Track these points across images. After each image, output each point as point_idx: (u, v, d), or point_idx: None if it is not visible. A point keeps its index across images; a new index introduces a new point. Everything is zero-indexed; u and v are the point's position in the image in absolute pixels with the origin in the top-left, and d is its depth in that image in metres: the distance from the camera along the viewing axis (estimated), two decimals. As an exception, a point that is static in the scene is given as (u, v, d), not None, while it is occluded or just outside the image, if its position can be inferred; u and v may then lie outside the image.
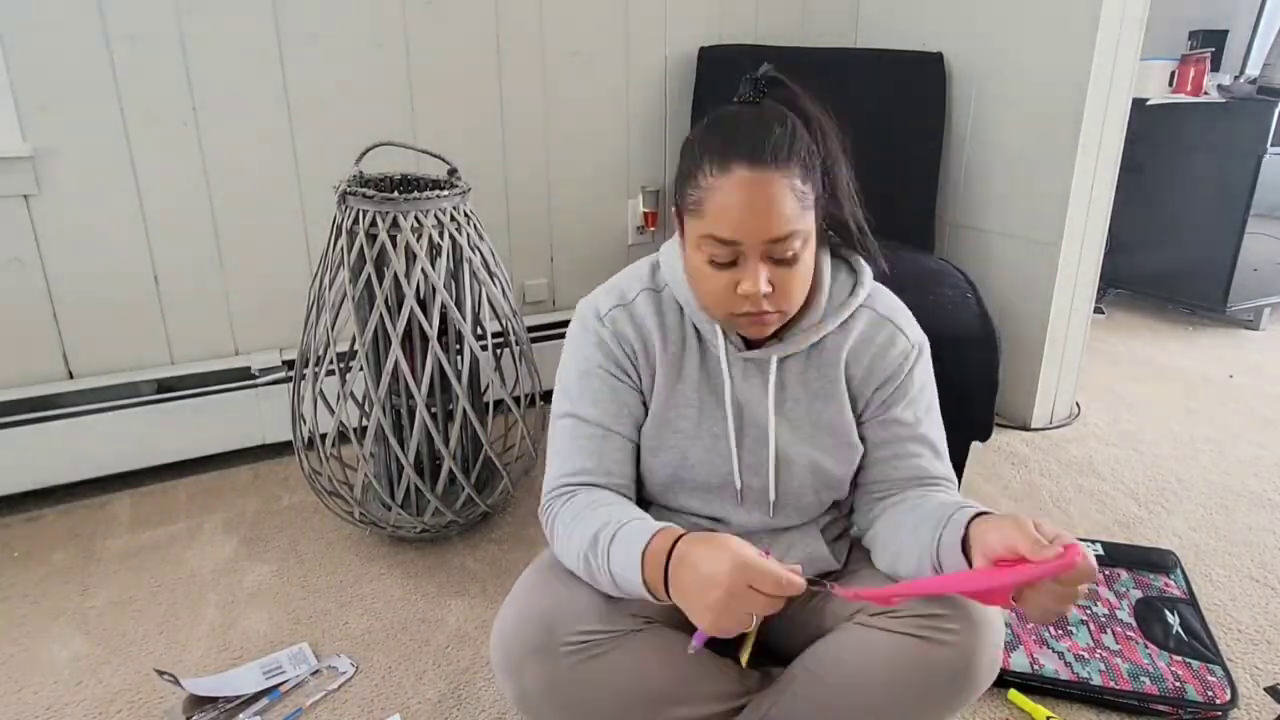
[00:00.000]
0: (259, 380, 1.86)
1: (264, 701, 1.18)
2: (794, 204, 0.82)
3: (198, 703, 1.18)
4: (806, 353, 0.97)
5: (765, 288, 0.83)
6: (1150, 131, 2.88)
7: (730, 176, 0.81)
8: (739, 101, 0.89)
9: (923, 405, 0.99)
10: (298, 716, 1.16)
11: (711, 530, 1.01)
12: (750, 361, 0.96)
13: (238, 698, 1.18)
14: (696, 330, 0.97)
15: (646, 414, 0.98)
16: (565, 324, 2.47)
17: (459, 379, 1.43)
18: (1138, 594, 1.41)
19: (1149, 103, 2.85)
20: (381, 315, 1.37)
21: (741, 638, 0.81)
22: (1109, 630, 1.32)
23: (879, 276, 1.00)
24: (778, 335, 0.96)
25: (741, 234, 0.82)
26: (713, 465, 0.98)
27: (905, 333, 0.97)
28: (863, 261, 1.00)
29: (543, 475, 0.99)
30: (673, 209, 0.93)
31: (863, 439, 0.99)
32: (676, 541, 0.79)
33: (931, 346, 1.02)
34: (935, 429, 1.00)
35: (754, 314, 0.86)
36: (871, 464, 1.00)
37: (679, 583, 0.77)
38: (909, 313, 1.00)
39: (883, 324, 0.97)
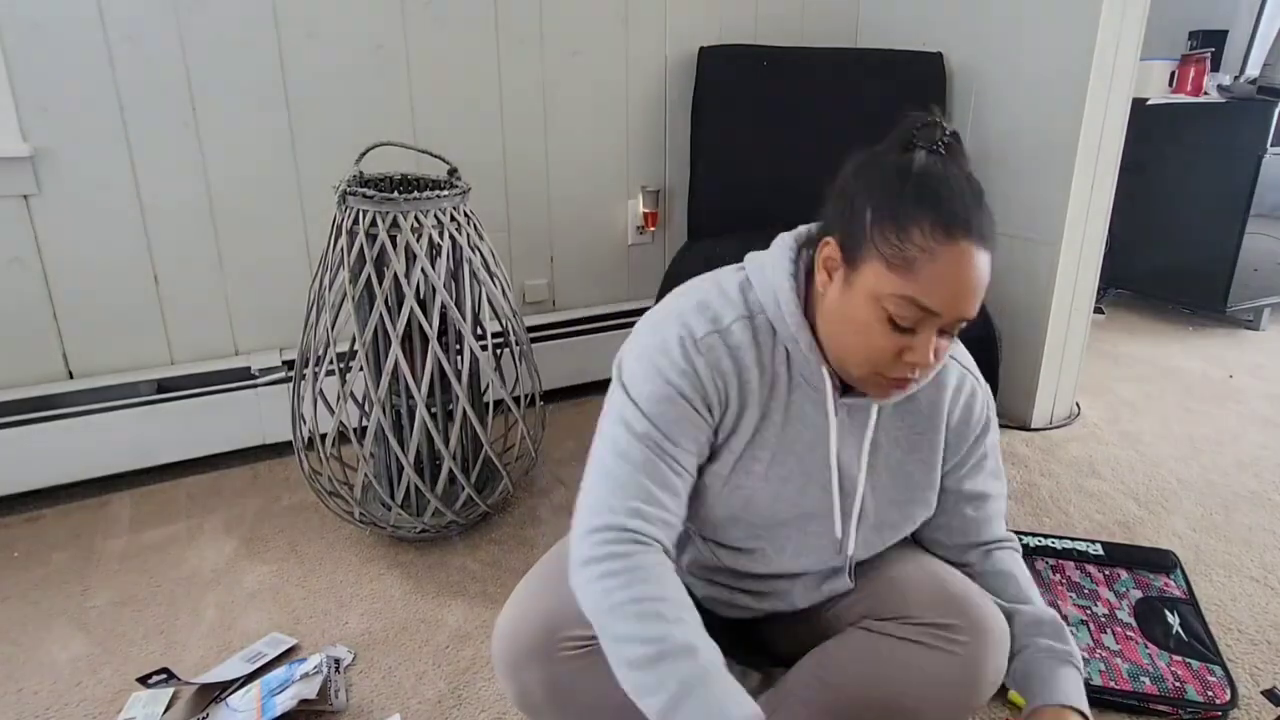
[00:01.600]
0: (259, 380, 1.86)
1: (283, 677, 1.18)
2: (986, 284, 0.79)
3: (198, 702, 1.18)
4: (898, 405, 0.92)
5: (935, 357, 0.80)
6: (1150, 131, 2.88)
7: (955, 247, 0.75)
8: (924, 148, 0.80)
9: (996, 458, 1.00)
10: (289, 687, 1.17)
11: (751, 570, 0.99)
12: (852, 407, 0.90)
13: (232, 682, 1.19)
14: (789, 364, 0.89)
15: (711, 452, 0.90)
16: (565, 324, 2.47)
17: (459, 379, 1.43)
18: (1138, 594, 1.41)
19: (1149, 103, 2.85)
20: (381, 315, 1.37)
21: None
22: (1109, 630, 1.32)
23: None
24: None
25: (948, 309, 0.77)
26: (773, 510, 0.92)
27: (980, 384, 0.96)
28: None
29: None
30: (824, 240, 0.83)
31: (943, 490, 0.99)
32: None
33: None
34: (1001, 485, 1.02)
35: (902, 381, 0.81)
36: (950, 514, 1.00)
37: None
38: (968, 356, 0.98)
39: (965, 376, 0.95)
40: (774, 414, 0.88)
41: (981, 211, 0.78)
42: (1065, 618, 1.34)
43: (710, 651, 0.76)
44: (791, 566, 0.97)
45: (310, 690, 1.15)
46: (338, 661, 1.21)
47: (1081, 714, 0.85)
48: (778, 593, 1.02)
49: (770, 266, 0.88)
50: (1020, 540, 1.55)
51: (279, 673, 1.19)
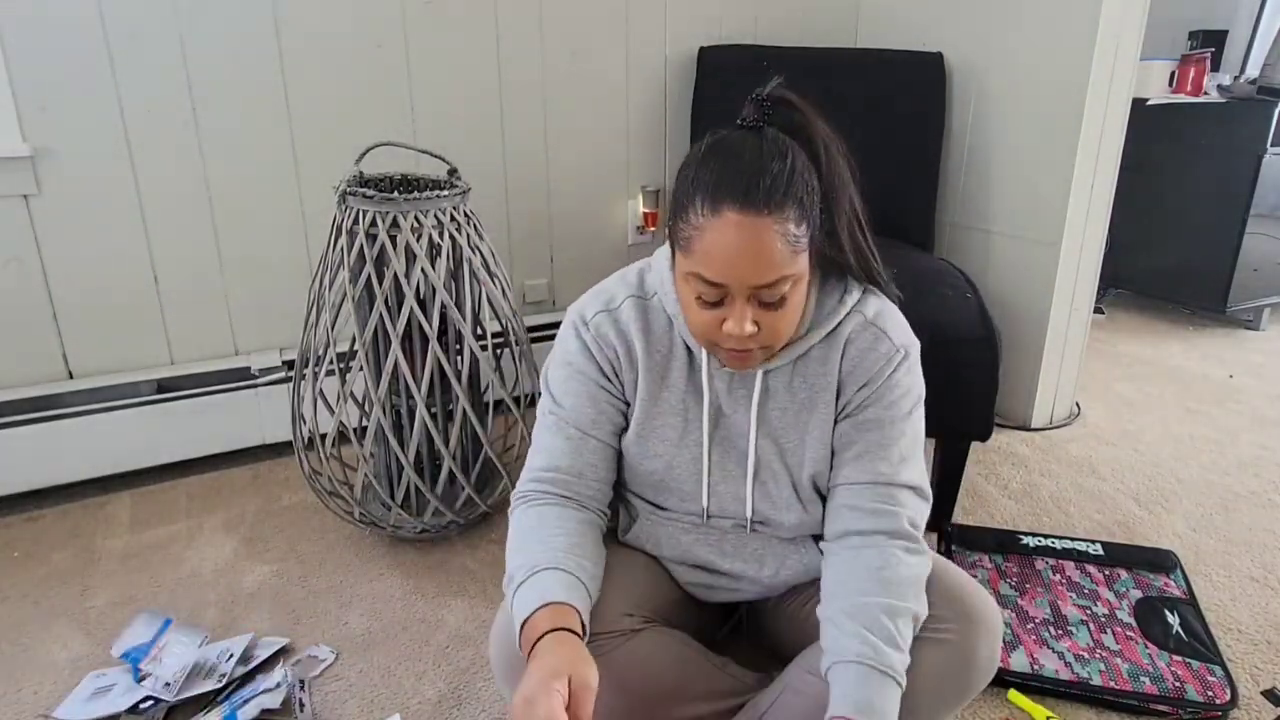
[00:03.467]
0: (259, 380, 1.86)
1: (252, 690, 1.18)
2: (784, 249, 0.79)
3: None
4: (793, 364, 0.95)
5: (750, 329, 0.81)
6: (1150, 131, 2.87)
7: (720, 219, 0.78)
8: (741, 125, 0.84)
9: (902, 411, 0.94)
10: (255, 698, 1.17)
11: (706, 528, 1.02)
12: (736, 374, 0.95)
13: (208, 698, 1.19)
14: (683, 343, 0.96)
15: (628, 421, 0.98)
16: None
17: (459, 379, 1.43)
18: (1138, 594, 1.41)
19: (1149, 103, 2.85)
20: (381, 315, 1.37)
21: None
22: (1109, 630, 1.32)
23: (895, 303, 0.97)
24: None
25: (728, 278, 0.80)
26: (697, 475, 0.98)
27: (890, 336, 0.93)
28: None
29: None
30: (666, 228, 0.90)
31: (836, 439, 0.96)
32: (543, 636, 0.78)
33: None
34: (908, 442, 0.94)
35: (738, 351, 0.85)
36: (839, 466, 0.95)
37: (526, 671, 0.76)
38: (901, 319, 0.96)
39: (867, 327, 0.93)
40: (675, 383, 0.96)
41: (760, 176, 0.78)
42: (1065, 618, 1.34)
43: (558, 563, 0.86)
44: (727, 525, 1.02)
45: (274, 701, 1.16)
46: (302, 681, 1.21)
47: None
48: (745, 575, 1.04)
49: (660, 254, 0.96)
50: (1021, 540, 1.54)
51: (243, 691, 1.19)
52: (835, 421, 0.96)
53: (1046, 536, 1.57)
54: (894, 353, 0.93)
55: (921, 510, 0.93)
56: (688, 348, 0.96)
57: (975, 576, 1.41)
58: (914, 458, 0.94)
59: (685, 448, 0.97)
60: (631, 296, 0.96)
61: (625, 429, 0.99)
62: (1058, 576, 1.46)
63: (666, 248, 0.94)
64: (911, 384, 0.95)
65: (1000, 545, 1.55)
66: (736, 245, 0.78)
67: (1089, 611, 1.37)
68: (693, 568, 1.05)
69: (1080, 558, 1.50)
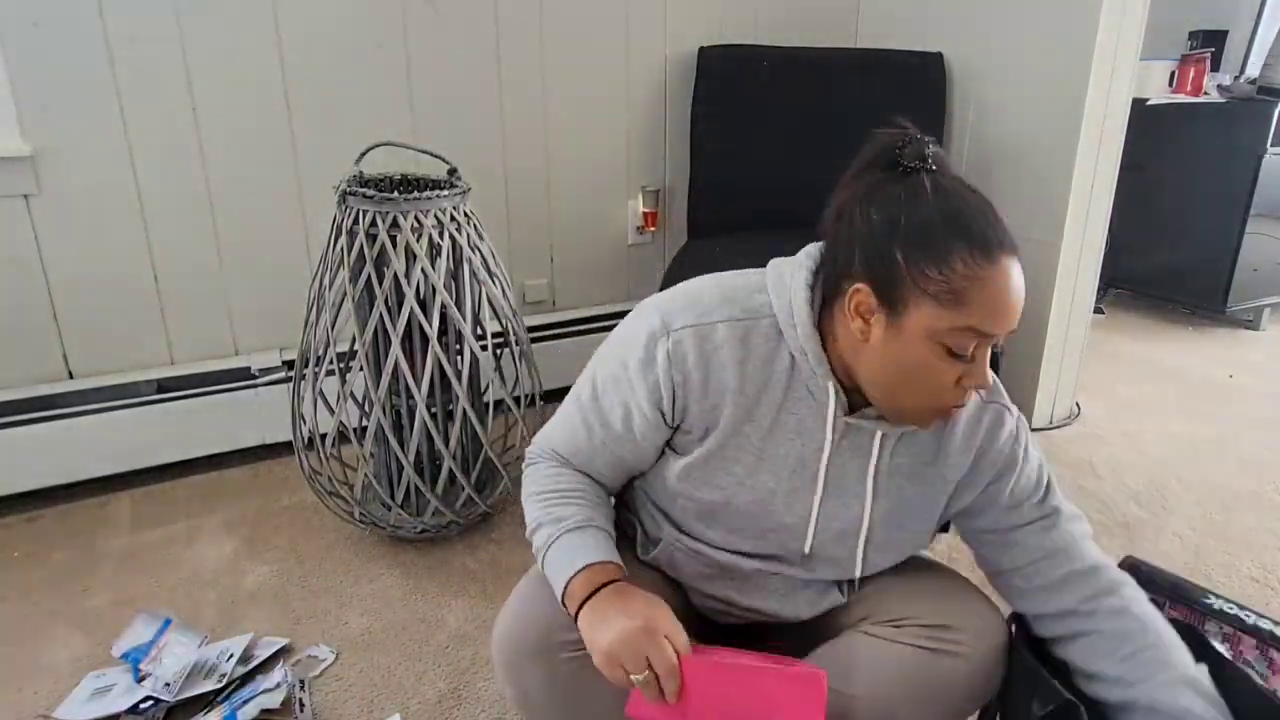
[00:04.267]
0: (259, 380, 1.86)
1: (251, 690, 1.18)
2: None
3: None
4: (905, 434, 0.89)
5: (989, 379, 0.79)
6: (1150, 131, 2.87)
7: (998, 267, 0.75)
8: (918, 168, 0.79)
9: (1037, 476, 0.92)
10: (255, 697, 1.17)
11: (737, 569, 0.98)
12: (850, 427, 0.87)
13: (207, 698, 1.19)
14: (790, 373, 0.86)
15: (666, 443, 0.91)
16: (565, 324, 2.47)
17: (459, 379, 1.43)
18: None
19: (1149, 103, 2.85)
20: (381, 315, 1.37)
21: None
22: None
23: None
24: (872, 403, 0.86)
25: (1004, 327, 0.76)
26: (758, 518, 0.92)
27: (1008, 408, 0.91)
28: None
29: None
30: (854, 288, 0.79)
31: (983, 529, 0.93)
32: (600, 590, 0.81)
33: None
34: (1051, 490, 0.93)
35: (960, 405, 0.81)
36: (1006, 547, 0.92)
37: (587, 625, 0.80)
38: (997, 378, 0.92)
39: (986, 406, 0.90)
40: (760, 418, 0.87)
41: (1001, 220, 0.78)
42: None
43: (588, 520, 0.88)
44: (777, 570, 0.96)
45: (274, 701, 1.16)
46: (302, 681, 1.21)
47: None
48: (767, 609, 1.01)
49: (790, 274, 0.86)
50: (1206, 598, 1.34)
51: (243, 692, 1.19)
52: (953, 498, 0.92)
53: (1243, 608, 1.36)
54: (1016, 428, 0.91)
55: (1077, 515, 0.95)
56: (787, 385, 0.86)
57: None
58: (1055, 484, 0.94)
59: (750, 488, 0.90)
60: (733, 319, 0.84)
61: (666, 447, 0.92)
62: (1226, 645, 1.29)
63: (801, 267, 0.86)
64: (1033, 445, 0.93)
65: (1175, 591, 1.37)
66: (1014, 292, 0.76)
67: None
68: (710, 597, 1.04)
69: (1271, 640, 1.30)
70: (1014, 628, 1.16)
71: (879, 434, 0.87)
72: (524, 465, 0.97)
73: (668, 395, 0.85)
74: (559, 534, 0.86)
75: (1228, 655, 1.25)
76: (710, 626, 1.11)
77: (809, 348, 0.83)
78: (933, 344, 0.76)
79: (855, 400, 0.87)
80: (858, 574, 0.94)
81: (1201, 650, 1.04)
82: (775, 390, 0.86)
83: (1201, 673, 0.85)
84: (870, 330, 0.79)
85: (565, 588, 0.83)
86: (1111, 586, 0.92)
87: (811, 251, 0.87)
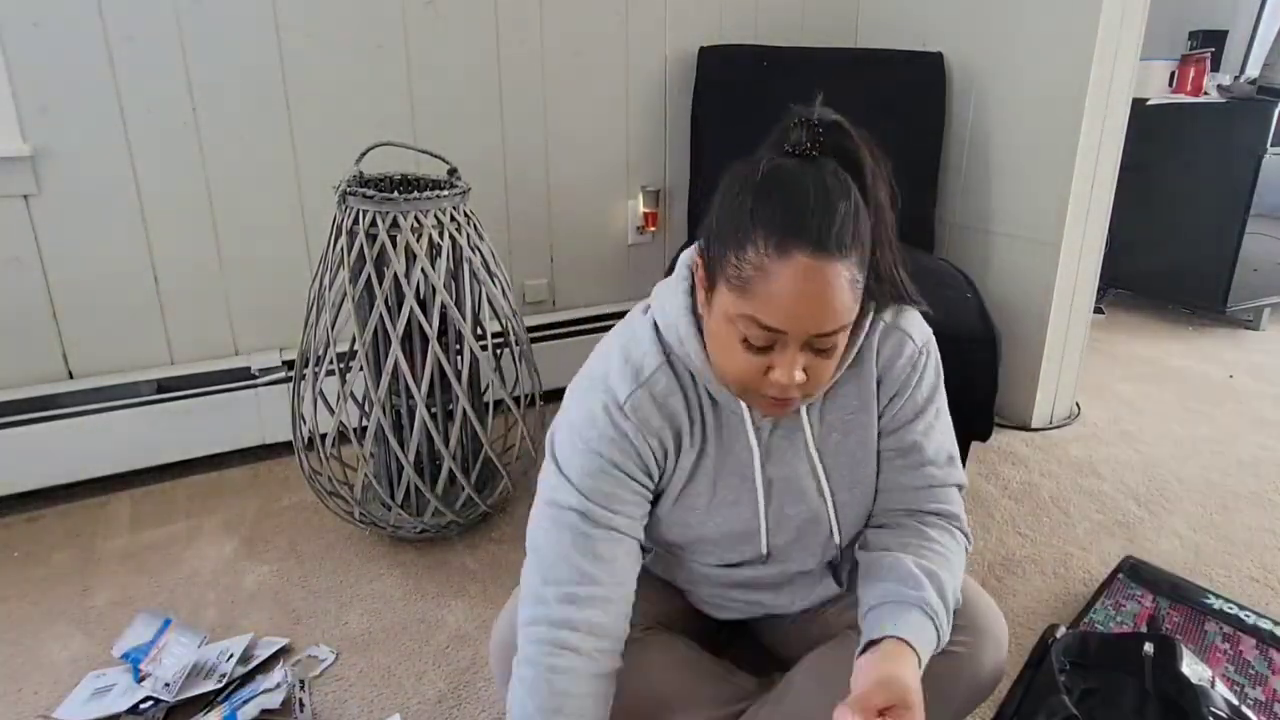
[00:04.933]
0: (259, 380, 1.86)
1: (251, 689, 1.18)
2: (848, 297, 0.74)
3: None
4: (829, 392, 0.91)
5: (800, 377, 0.76)
6: (1150, 131, 2.87)
7: (788, 262, 0.71)
8: (793, 152, 0.77)
9: (932, 413, 0.93)
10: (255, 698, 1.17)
11: (729, 579, 1.00)
12: (773, 421, 0.90)
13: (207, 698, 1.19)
14: (710, 396, 0.89)
15: (655, 497, 0.92)
16: (565, 324, 2.46)
17: (459, 379, 1.43)
18: None
19: (1149, 103, 2.85)
20: (381, 315, 1.37)
21: None
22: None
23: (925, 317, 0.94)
24: None
25: (790, 326, 0.73)
26: (730, 528, 0.93)
27: (912, 337, 0.90)
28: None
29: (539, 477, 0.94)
30: (695, 257, 0.83)
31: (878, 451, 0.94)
32: None
33: None
34: (942, 436, 0.94)
35: (779, 400, 0.79)
36: (883, 473, 0.94)
37: None
38: (919, 319, 0.93)
39: (891, 331, 0.90)
40: (709, 447, 0.89)
41: (830, 217, 0.72)
42: (1210, 681, 1.09)
43: None
44: (759, 573, 0.98)
45: (274, 701, 1.16)
46: (302, 681, 1.21)
47: (915, 651, 0.79)
48: (763, 602, 1.03)
49: (669, 300, 0.87)
50: (1205, 598, 1.38)
51: (243, 692, 1.19)
52: (878, 436, 0.93)
53: (1243, 608, 1.37)
54: (917, 354, 0.91)
55: (961, 484, 0.95)
56: (713, 404, 0.89)
57: (1123, 608, 1.36)
58: (955, 455, 0.94)
59: (717, 511, 0.92)
60: (661, 364, 0.86)
61: (653, 506, 0.93)
62: (1226, 645, 1.29)
63: (678, 283, 0.87)
64: (936, 380, 0.93)
65: (1174, 591, 1.40)
66: (805, 292, 0.72)
67: (1242, 691, 1.19)
68: (708, 591, 1.05)
69: (1269, 640, 1.29)
70: (1050, 643, 1.16)
71: (803, 410, 0.88)
72: (516, 654, 0.85)
73: (652, 459, 0.87)
74: None
75: (1223, 649, 1.26)
76: (711, 623, 1.12)
77: (706, 370, 0.84)
78: (731, 327, 0.76)
79: None
80: (839, 541, 0.95)
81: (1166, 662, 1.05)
82: (709, 416, 0.88)
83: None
84: (705, 304, 0.81)
85: None
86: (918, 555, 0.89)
87: (685, 260, 0.87)
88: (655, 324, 0.88)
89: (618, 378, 0.85)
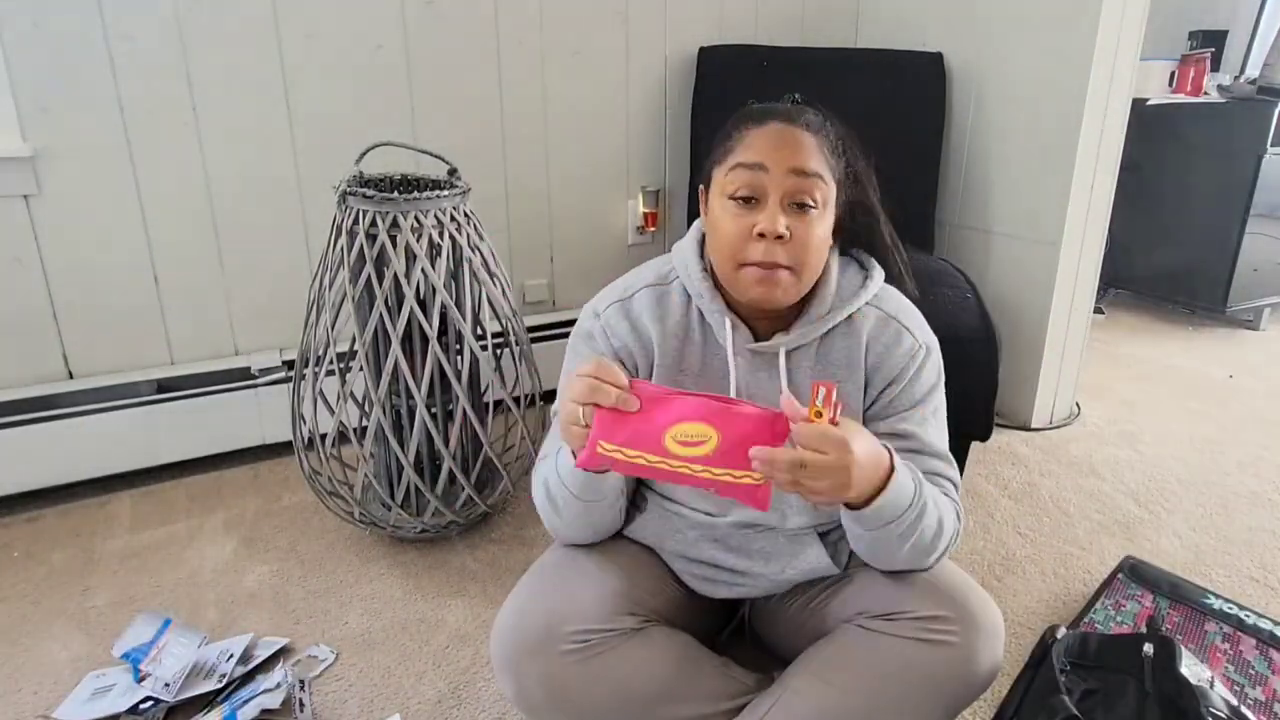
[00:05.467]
0: (259, 380, 1.86)
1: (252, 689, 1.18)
2: (820, 157, 0.88)
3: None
4: (816, 350, 0.96)
5: (782, 229, 0.86)
6: (1150, 131, 2.88)
7: (765, 127, 0.89)
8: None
9: (929, 409, 0.97)
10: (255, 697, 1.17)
11: (713, 527, 1.02)
12: (758, 355, 0.96)
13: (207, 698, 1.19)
14: (703, 323, 0.97)
15: None
16: (565, 324, 2.47)
17: (459, 379, 1.43)
18: None
19: (1149, 103, 2.86)
20: (381, 315, 1.37)
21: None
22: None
23: (911, 299, 1.01)
24: (785, 328, 0.96)
25: (768, 157, 0.87)
26: None
27: (913, 332, 0.97)
28: (874, 262, 1.00)
29: None
30: (700, 189, 0.99)
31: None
32: None
33: None
34: (938, 433, 0.98)
35: (767, 265, 0.87)
36: None
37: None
38: (919, 315, 1.00)
39: (888, 322, 0.97)
40: (690, 366, 0.97)
41: (804, 111, 0.91)
42: (1209, 681, 1.06)
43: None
44: (742, 518, 1.01)
45: (274, 701, 1.16)
46: (302, 681, 1.21)
47: (891, 464, 0.84)
48: (750, 571, 1.03)
49: (685, 240, 1.01)
50: (1205, 598, 1.37)
51: (243, 692, 1.19)
52: (864, 420, 0.97)
53: (1243, 608, 1.36)
54: (917, 349, 0.96)
55: (956, 482, 0.97)
56: (704, 332, 0.97)
57: (1123, 608, 1.35)
58: (946, 452, 0.98)
59: None
60: (648, 286, 0.99)
61: None
62: (1226, 645, 1.28)
63: (689, 236, 1.01)
64: (936, 381, 0.99)
65: (1174, 591, 1.40)
66: (780, 138, 0.88)
67: (1241, 691, 1.18)
68: (695, 562, 1.05)
69: (1269, 640, 1.29)
70: (1050, 643, 1.16)
71: (781, 352, 0.94)
72: (533, 491, 1.01)
73: (616, 360, 0.97)
74: (555, 461, 0.94)
75: (1223, 649, 1.26)
76: (710, 621, 1.12)
77: (703, 290, 0.95)
78: (725, 200, 0.90)
79: (761, 331, 0.97)
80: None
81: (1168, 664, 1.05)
82: (695, 339, 0.97)
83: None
84: (706, 219, 0.96)
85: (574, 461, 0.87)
86: None
87: (700, 220, 1.01)
88: (665, 259, 1.02)
89: (607, 294, 1.01)
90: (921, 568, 0.93)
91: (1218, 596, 1.40)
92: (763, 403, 0.90)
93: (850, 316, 0.96)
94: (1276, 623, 1.34)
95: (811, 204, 0.88)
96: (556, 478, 0.93)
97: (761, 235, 0.86)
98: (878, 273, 0.99)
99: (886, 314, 0.97)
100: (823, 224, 0.89)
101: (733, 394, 0.94)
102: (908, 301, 1.00)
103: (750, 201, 0.88)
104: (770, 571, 1.03)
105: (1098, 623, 1.33)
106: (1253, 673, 1.24)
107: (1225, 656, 1.27)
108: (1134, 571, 1.46)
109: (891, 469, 0.83)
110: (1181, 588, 1.42)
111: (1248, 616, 1.35)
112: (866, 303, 0.97)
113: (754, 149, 0.88)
